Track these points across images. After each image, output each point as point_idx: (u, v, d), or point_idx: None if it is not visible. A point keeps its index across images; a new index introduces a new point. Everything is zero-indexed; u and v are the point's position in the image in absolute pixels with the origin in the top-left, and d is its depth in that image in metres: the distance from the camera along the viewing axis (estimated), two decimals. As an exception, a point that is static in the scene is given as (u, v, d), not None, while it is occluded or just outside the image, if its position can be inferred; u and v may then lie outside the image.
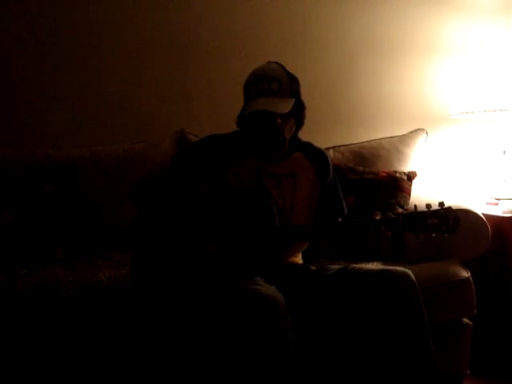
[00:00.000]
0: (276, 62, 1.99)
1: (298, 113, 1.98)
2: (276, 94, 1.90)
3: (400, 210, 2.43)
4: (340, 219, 2.09)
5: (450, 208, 1.80)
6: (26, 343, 1.91)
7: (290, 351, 1.65)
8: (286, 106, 1.90)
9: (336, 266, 1.98)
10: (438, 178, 3.02)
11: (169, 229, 1.88)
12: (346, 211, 2.11)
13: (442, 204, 1.81)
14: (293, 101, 1.92)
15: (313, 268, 2.02)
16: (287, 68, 1.97)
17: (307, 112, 2.02)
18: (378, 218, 1.82)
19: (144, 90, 2.83)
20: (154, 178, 1.98)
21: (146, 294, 1.88)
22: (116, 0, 2.80)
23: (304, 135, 2.09)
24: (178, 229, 1.87)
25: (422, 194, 2.57)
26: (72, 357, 1.94)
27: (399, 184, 2.49)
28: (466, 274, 2.22)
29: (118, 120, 2.80)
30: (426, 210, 1.81)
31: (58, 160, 2.50)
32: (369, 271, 1.87)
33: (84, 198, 2.44)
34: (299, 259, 2.08)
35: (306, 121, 2.03)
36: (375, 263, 2.22)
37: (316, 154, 2.09)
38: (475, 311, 2.21)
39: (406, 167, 2.70)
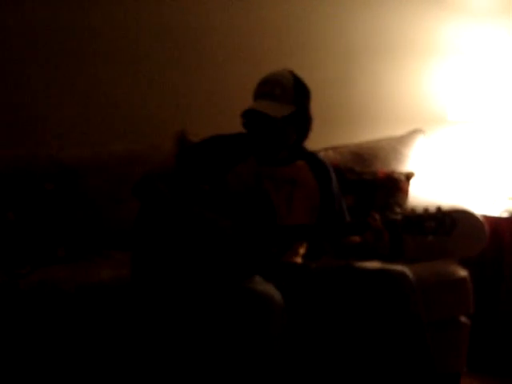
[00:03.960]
0: (291, 71, 2.00)
1: (300, 123, 1.99)
2: (276, 98, 1.92)
3: (398, 211, 2.44)
4: None
5: (447, 212, 1.84)
6: (28, 342, 1.92)
7: (286, 349, 1.66)
8: (280, 111, 1.91)
9: (334, 265, 1.99)
10: (435, 178, 3.02)
11: (172, 223, 1.89)
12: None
13: (439, 208, 1.84)
14: (291, 108, 1.93)
15: (312, 267, 2.03)
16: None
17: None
18: (376, 218, 1.84)
19: (144, 91, 2.83)
20: (158, 176, 1.99)
21: (145, 291, 1.89)
22: (116, 1, 2.81)
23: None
24: (182, 220, 1.88)
25: (420, 195, 2.58)
26: (73, 355, 1.94)
27: (397, 184, 2.50)
28: (463, 272, 2.24)
29: (118, 121, 2.79)
30: (424, 213, 1.84)
31: (59, 160, 2.49)
32: (367, 270, 1.89)
33: (85, 197, 2.44)
34: (299, 258, 2.10)
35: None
36: (373, 262, 2.24)
37: (318, 165, 2.10)
38: (473, 310, 2.23)
39: (404, 167, 2.70)
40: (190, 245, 1.86)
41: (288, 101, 1.94)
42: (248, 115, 1.95)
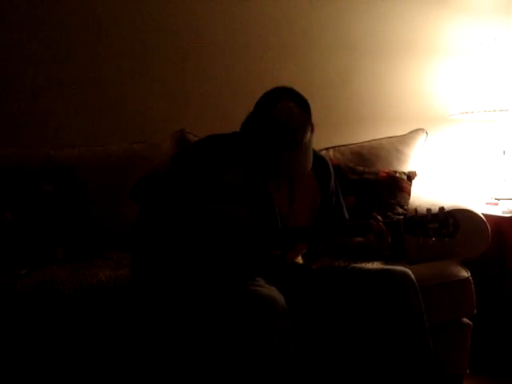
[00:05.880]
0: (291, 95, 1.86)
1: None
2: (300, 145, 1.82)
3: (400, 211, 2.43)
4: None
5: (450, 212, 1.82)
6: (25, 343, 1.91)
7: (290, 352, 1.65)
8: (310, 161, 1.88)
9: (336, 266, 1.98)
10: (437, 177, 3.01)
11: (171, 224, 1.87)
12: (347, 218, 2.10)
13: (442, 208, 1.83)
14: (311, 138, 1.86)
15: (313, 268, 2.02)
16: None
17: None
18: (379, 219, 1.83)
19: (144, 90, 2.83)
20: (154, 178, 1.97)
21: (145, 294, 1.88)
22: (117, 0, 2.81)
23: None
24: (181, 221, 1.86)
25: (422, 194, 2.58)
26: (72, 357, 1.93)
27: (399, 184, 2.49)
28: (465, 273, 2.22)
29: (117, 120, 2.79)
30: (427, 213, 1.83)
31: (58, 160, 2.49)
32: (369, 271, 1.88)
33: (84, 198, 2.43)
34: (300, 259, 2.08)
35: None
36: (375, 263, 2.22)
37: (318, 161, 2.05)
38: (475, 311, 2.22)
39: (406, 167, 2.69)
40: (199, 240, 1.83)
41: (307, 136, 1.84)
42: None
